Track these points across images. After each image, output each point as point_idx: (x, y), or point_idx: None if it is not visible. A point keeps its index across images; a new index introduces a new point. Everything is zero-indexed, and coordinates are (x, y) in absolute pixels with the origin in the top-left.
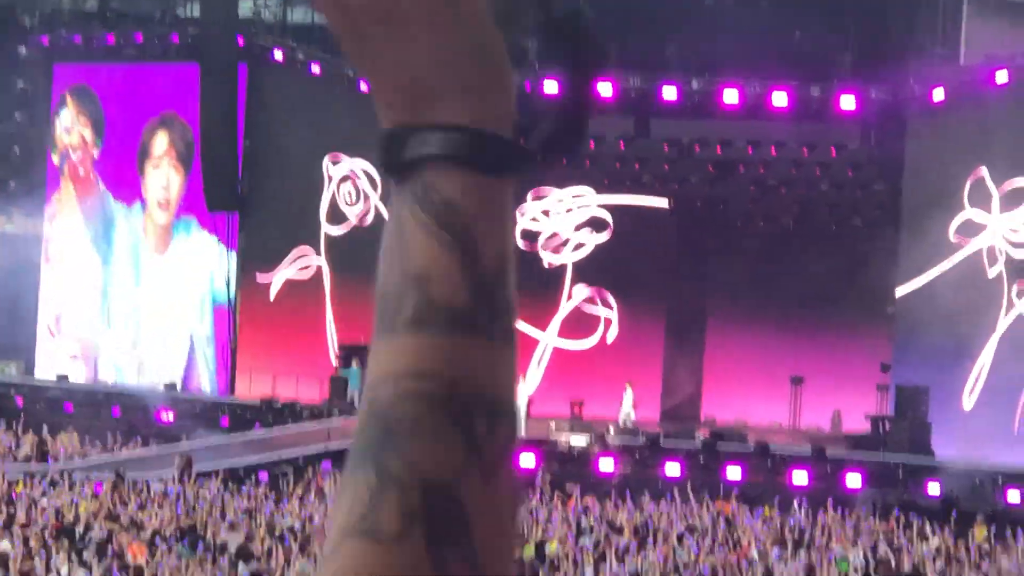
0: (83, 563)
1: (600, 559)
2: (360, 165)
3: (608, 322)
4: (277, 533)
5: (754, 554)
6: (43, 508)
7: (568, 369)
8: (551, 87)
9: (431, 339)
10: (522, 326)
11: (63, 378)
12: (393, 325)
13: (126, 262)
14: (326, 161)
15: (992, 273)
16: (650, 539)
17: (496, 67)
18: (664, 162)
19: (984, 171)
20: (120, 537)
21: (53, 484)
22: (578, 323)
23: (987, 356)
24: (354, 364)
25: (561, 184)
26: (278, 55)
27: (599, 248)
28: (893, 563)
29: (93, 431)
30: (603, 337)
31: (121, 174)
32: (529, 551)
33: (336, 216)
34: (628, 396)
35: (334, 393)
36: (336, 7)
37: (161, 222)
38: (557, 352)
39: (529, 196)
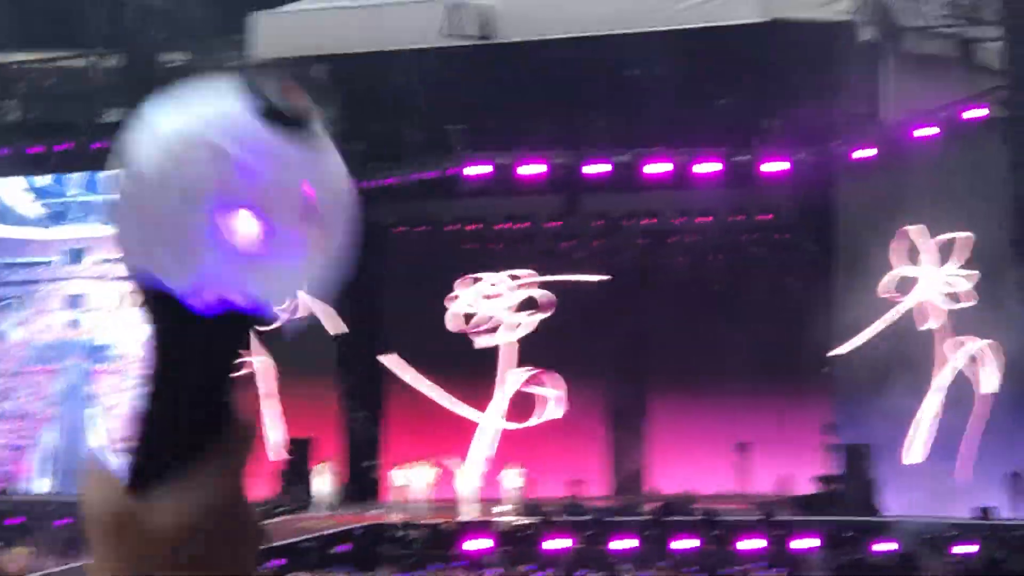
0: None
1: None
2: None
3: (547, 402)
4: None
5: None
6: None
7: (512, 449)
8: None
9: None
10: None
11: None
12: None
13: None
14: None
15: (927, 327)
16: None
17: None
18: (596, 237)
19: (915, 227)
20: None
21: None
22: (520, 404)
23: (927, 410)
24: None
25: (495, 267)
26: None
27: (537, 327)
28: None
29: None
30: (546, 417)
31: None
32: None
33: None
34: (510, 475)
35: (285, 488)
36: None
37: None
38: (501, 433)
39: (463, 281)
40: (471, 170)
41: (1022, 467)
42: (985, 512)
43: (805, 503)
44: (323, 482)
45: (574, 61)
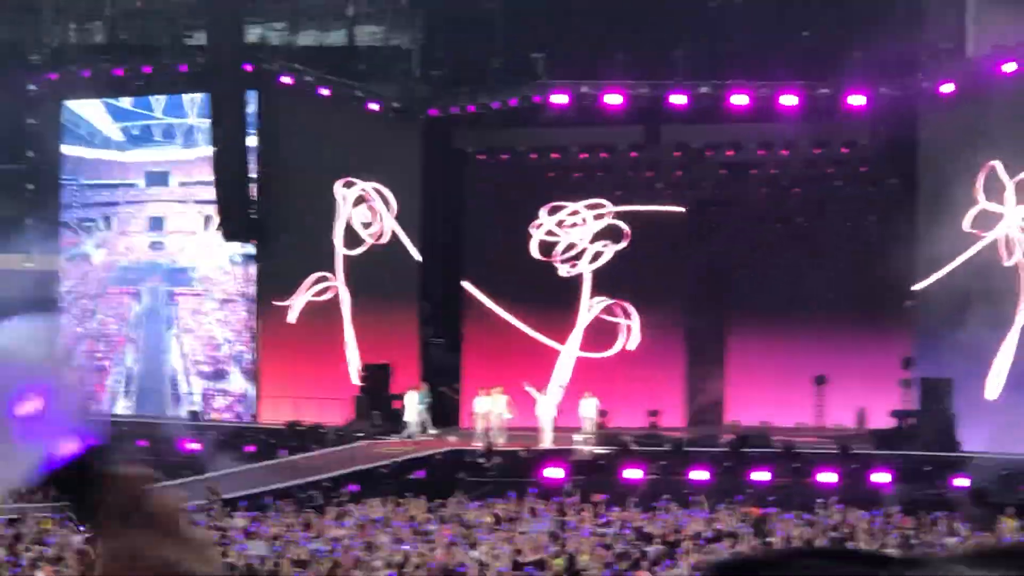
0: None
1: (632, 567)
2: (373, 186)
3: (629, 331)
4: (306, 558)
5: None
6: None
7: (591, 379)
8: (559, 99)
9: None
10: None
11: None
12: None
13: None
14: (340, 184)
15: (1009, 263)
16: (680, 547)
17: None
18: (676, 168)
19: (997, 163)
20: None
21: None
22: (599, 334)
23: (1009, 346)
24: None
25: (574, 196)
26: (287, 79)
27: (616, 257)
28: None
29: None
30: (624, 346)
31: None
32: (560, 564)
33: (352, 239)
34: (589, 404)
35: (359, 414)
36: None
37: None
38: (579, 362)
39: (543, 209)
40: (553, 99)
41: None
42: None
43: (883, 437)
44: (413, 407)
45: None
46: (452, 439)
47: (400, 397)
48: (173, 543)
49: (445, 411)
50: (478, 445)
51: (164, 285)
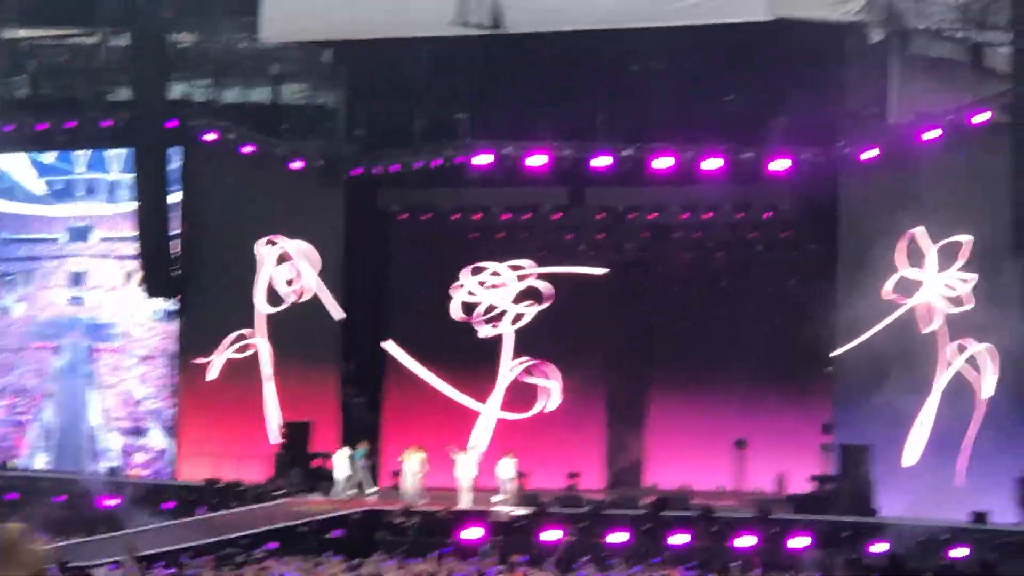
0: None
1: None
2: (296, 244)
3: (550, 392)
4: None
5: None
6: None
7: (511, 440)
8: (482, 159)
9: None
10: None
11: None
12: None
13: None
14: (261, 242)
15: (928, 330)
16: None
17: None
18: (599, 230)
19: (919, 229)
20: None
21: None
22: (519, 395)
23: (927, 412)
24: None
25: (497, 257)
26: (211, 136)
27: (538, 318)
28: None
29: (34, 520)
30: (545, 408)
31: None
32: None
33: (274, 297)
34: (507, 465)
35: (278, 472)
36: None
37: None
38: (500, 423)
39: (465, 270)
40: (476, 159)
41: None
42: (979, 516)
43: (801, 502)
44: (343, 465)
45: (582, 54)
46: (371, 498)
47: (323, 456)
48: None
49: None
50: (395, 505)
51: (85, 340)
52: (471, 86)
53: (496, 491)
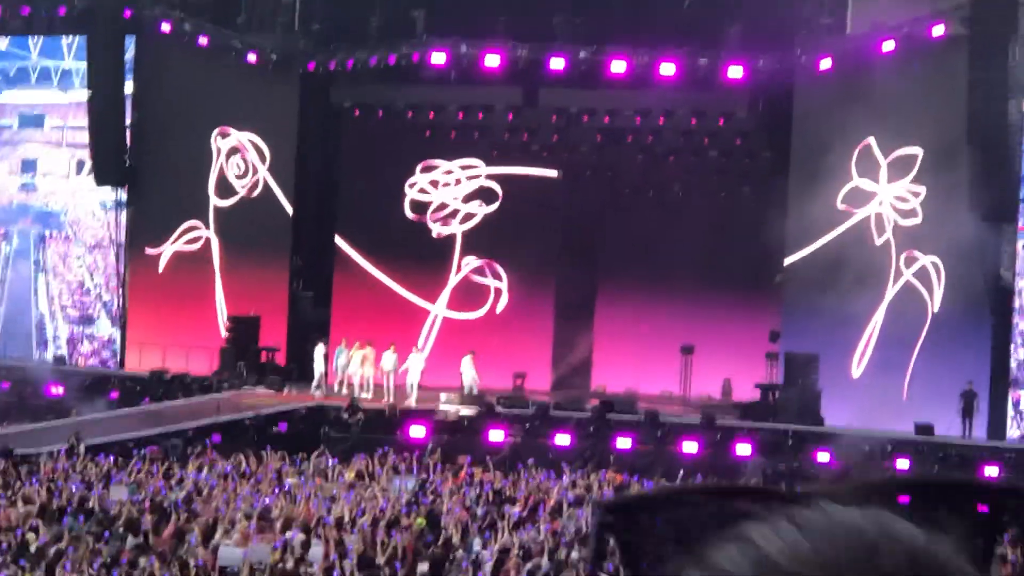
0: None
1: (490, 528)
2: (248, 137)
3: (498, 293)
4: (166, 505)
5: None
6: None
7: (458, 340)
8: (437, 58)
9: None
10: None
11: None
12: None
13: None
14: (215, 134)
15: (879, 241)
16: (540, 510)
17: None
18: (553, 132)
19: (872, 140)
20: (8, 512)
21: None
22: (468, 294)
23: (875, 324)
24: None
25: (450, 156)
26: (166, 27)
27: (488, 219)
28: None
29: None
30: (492, 308)
31: None
32: (422, 523)
33: (225, 189)
34: (467, 363)
35: (224, 365)
36: None
37: None
38: (447, 323)
39: (418, 168)
40: (432, 57)
41: (975, 384)
42: (924, 429)
43: (748, 409)
44: (320, 360)
45: None
46: (317, 394)
47: (270, 349)
48: None
49: (307, 366)
50: (340, 401)
51: (34, 228)
52: None
53: (444, 390)
